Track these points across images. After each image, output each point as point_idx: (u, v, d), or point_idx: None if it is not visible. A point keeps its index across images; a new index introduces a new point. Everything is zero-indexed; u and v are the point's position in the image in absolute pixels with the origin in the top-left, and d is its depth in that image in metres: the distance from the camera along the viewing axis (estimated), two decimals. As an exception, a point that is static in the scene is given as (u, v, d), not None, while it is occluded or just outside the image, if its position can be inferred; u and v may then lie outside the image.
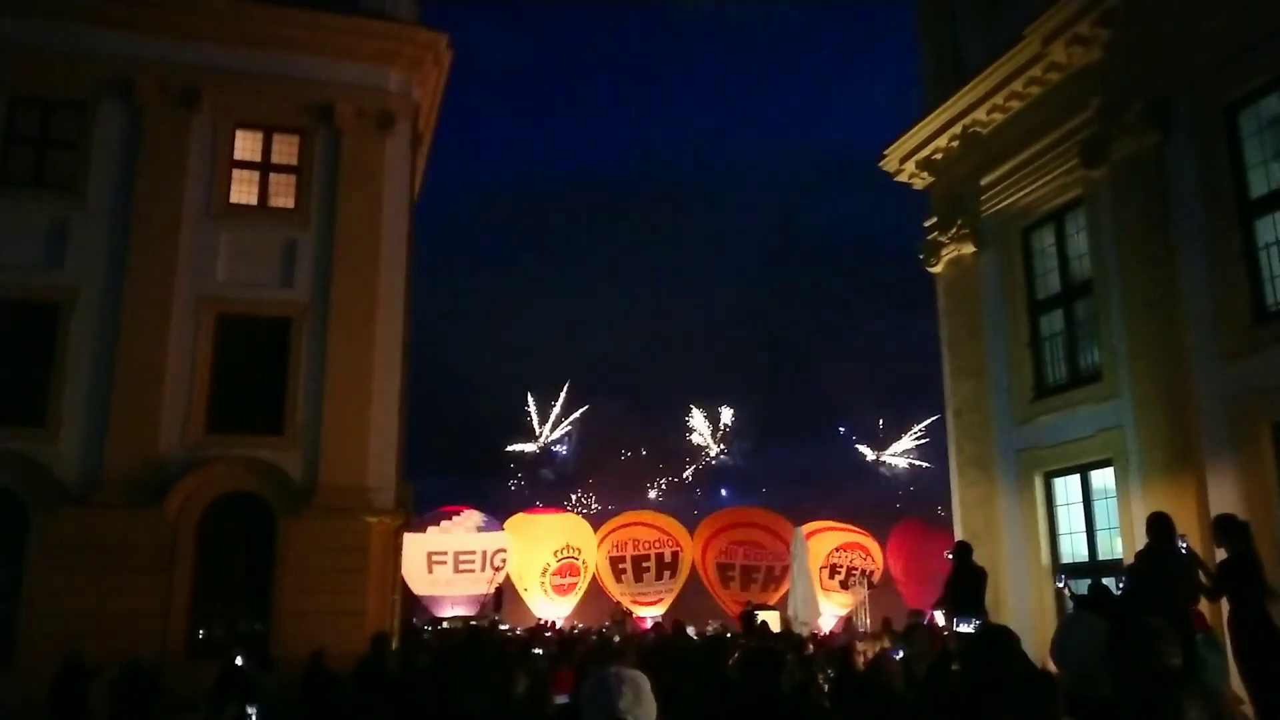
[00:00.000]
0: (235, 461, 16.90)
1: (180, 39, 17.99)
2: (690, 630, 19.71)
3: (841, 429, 63.27)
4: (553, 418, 63.75)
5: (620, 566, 29.03)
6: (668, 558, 29.09)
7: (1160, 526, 9.69)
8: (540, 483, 60.99)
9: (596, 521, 30.55)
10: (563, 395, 63.11)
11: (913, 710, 6.82)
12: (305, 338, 17.70)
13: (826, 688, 10.10)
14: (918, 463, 59.15)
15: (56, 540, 15.72)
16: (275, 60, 18.39)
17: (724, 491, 60.68)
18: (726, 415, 64.83)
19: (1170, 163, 12.12)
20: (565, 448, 64.38)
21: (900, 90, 17.63)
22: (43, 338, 16.75)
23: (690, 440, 64.41)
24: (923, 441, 59.53)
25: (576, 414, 63.61)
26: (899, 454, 60.76)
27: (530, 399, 63.64)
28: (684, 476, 62.11)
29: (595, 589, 30.00)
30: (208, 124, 18.15)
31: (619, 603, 28.49)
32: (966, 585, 12.06)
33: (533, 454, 64.02)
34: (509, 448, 63.24)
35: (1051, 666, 10.16)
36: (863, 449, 62.29)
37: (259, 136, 18.60)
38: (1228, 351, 11.25)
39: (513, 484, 61.15)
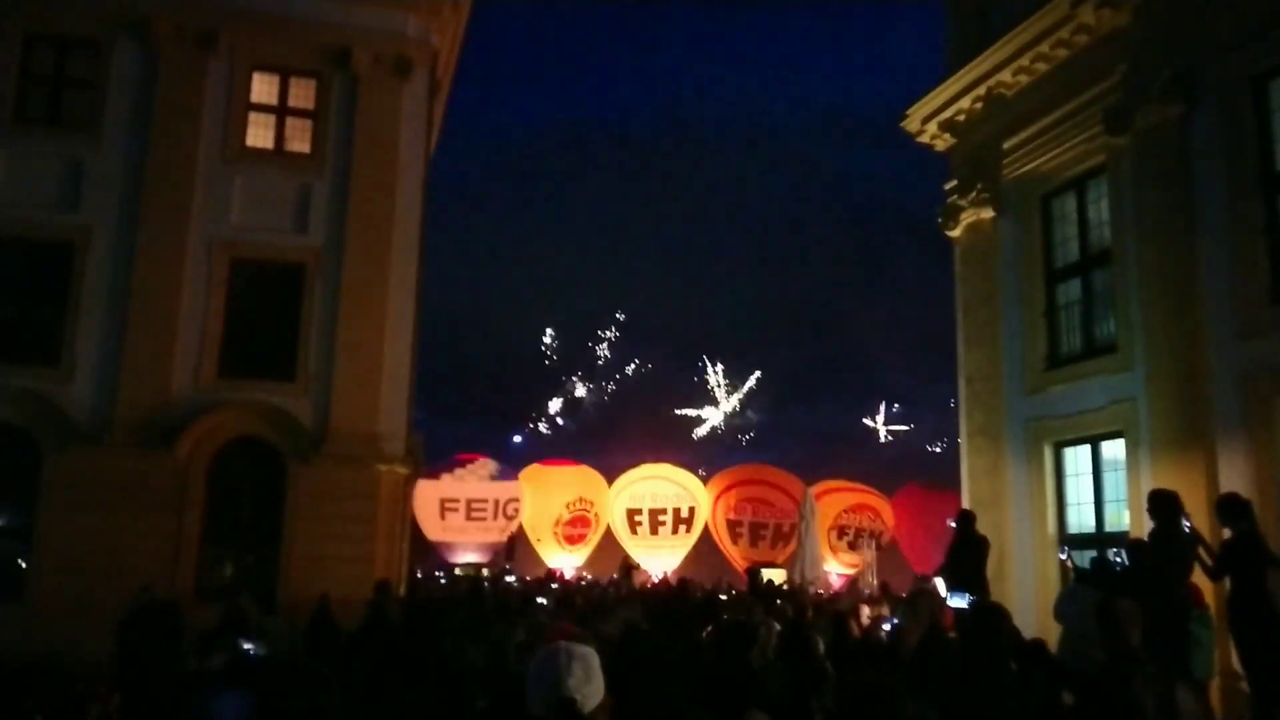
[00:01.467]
0: (246, 406, 16.99)
1: (197, -23, 17.83)
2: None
3: (858, 394, 62.73)
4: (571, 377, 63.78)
5: (636, 519, 29.10)
6: (685, 513, 29.16)
7: (1162, 506, 9.60)
8: (560, 434, 61.17)
9: (612, 474, 30.56)
10: (606, 341, 62.95)
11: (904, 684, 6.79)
12: (318, 284, 17.67)
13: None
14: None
15: (68, 479, 15.91)
16: (293, 1, 18.18)
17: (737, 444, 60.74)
18: (745, 372, 64.68)
19: (1195, 133, 11.85)
20: (591, 390, 64.40)
21: (933, 47, 17.22)
22: (57, 277, 16.81)
23: (709, 396, 64.26)
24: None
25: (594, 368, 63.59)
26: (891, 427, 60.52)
27: (550, 335, 63.43)
28: (697, 433, 62.00)
29: (607, 540, 30.11)
30: (224, 66, 18.01)
31: (627, 555, 28.66)
32: (968, 555, 12.04)
33: (558, 401, 64.02)
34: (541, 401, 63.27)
35: (1053, 632, 10.19)
36: (871, 421, 61.86)
37: (275, 80, 18.45)
38: (1244, 328, 11.08)
39: (531, 427, 61.32)
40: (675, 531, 29.15)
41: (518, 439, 58.91)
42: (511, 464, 30.24)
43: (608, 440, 53.76)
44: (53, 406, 16.25)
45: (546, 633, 8.82)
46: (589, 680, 2.81)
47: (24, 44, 17.37)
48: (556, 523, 28.92)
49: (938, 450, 55.42)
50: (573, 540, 29.15)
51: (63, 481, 15.94)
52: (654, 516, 29.11)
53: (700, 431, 61.31)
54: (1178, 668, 8.29)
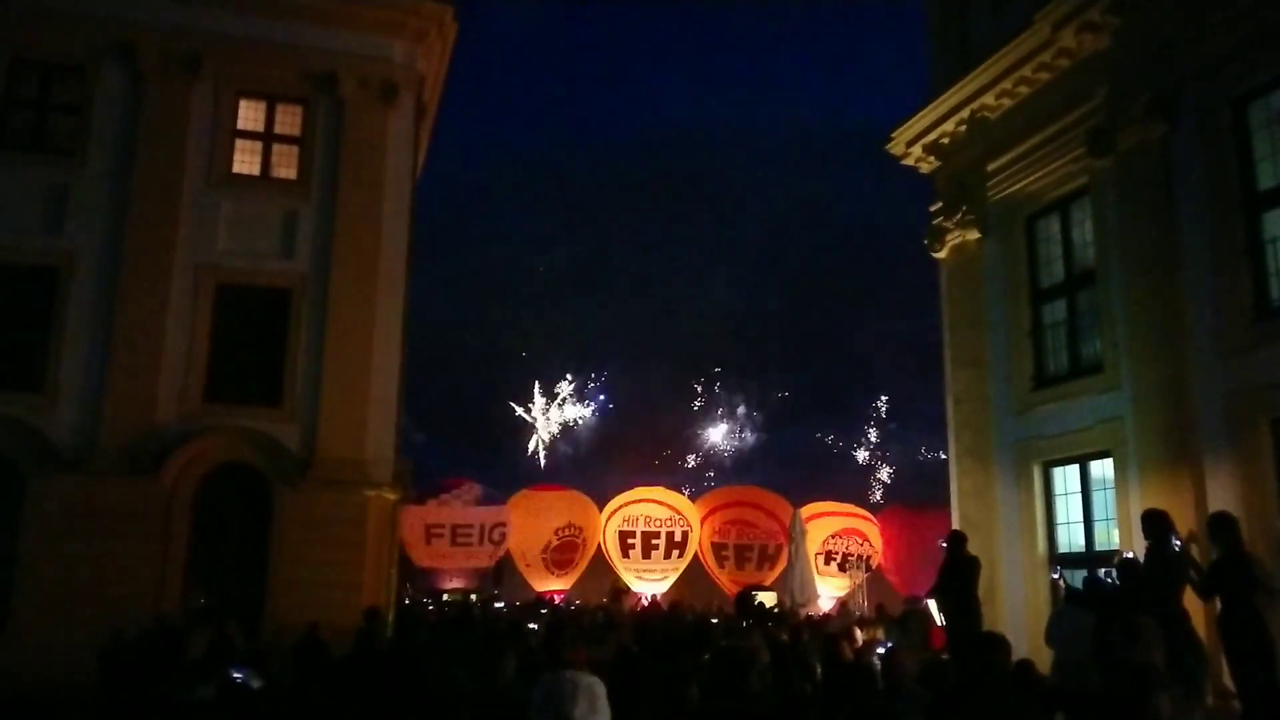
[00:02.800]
0: (232, 432, 16.88)
1: (183, 3, 17.80)
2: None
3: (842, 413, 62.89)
4: (561, 396, 63.67)
5: (630, 541, 28.93)
6: (678, 537, 29.04)
7: (1155, 525, 9.64)
8: (551, 458, 61.02)
9: (603, 499, 30.49)
10: (561, 389, 63.07)
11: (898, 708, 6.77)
12: (305, 309, 17.63)
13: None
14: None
15: (52, 506, 15.75)
16: (278, 27, 18.20)
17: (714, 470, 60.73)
18: (735, 393, 64.81)
19: (1177, 154, 11.98)
20: (587, 412, 64.28)
21: (920, 67, 17.25)
22: (41, 303, 16.69)
23: (697, 419, 64.29)
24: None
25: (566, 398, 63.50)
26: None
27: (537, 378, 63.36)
28: (693, 457, 61.98)
29: (595, 564, 29.93)
30: (210, 92, 18.01)
31: (617, 578, 28.54)
32: (959, 576, 12.03)
33: (547, 428, 63.81)
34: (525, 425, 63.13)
35: (1045, 654, 10.20)
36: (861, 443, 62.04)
37: (261, 106, 18.47)
38: (1229, 346, 11.16)
39: (534, 454, 61.08)
40: (668, 555, 29.04)
41: (507, 463, 58.86)
42: (500, 489, 30.11)
43: (598, 464, 53.77)
44: (36, 433, 16.10)
45: (568, 657, 8.70)
46: (594, 710, 2.77)
47: (8, 68, 17.31)
48: (545, 549, 28.75)
49: (928, 470, 55.56)
50: (561, 566, 28.99)
51: (47, 509, 15.77)
52: (647, 539, 28.99)
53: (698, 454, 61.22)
54: (1187, 686, 8.28)
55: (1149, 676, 5.12)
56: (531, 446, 62.98)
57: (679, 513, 29.45)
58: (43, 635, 14.69)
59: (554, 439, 63.66)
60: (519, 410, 62.51)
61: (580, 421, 64.07)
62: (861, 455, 62.06)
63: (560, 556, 28.84)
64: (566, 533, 28.80)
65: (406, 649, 13.50)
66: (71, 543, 15.47)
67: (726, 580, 28.73)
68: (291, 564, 16.41)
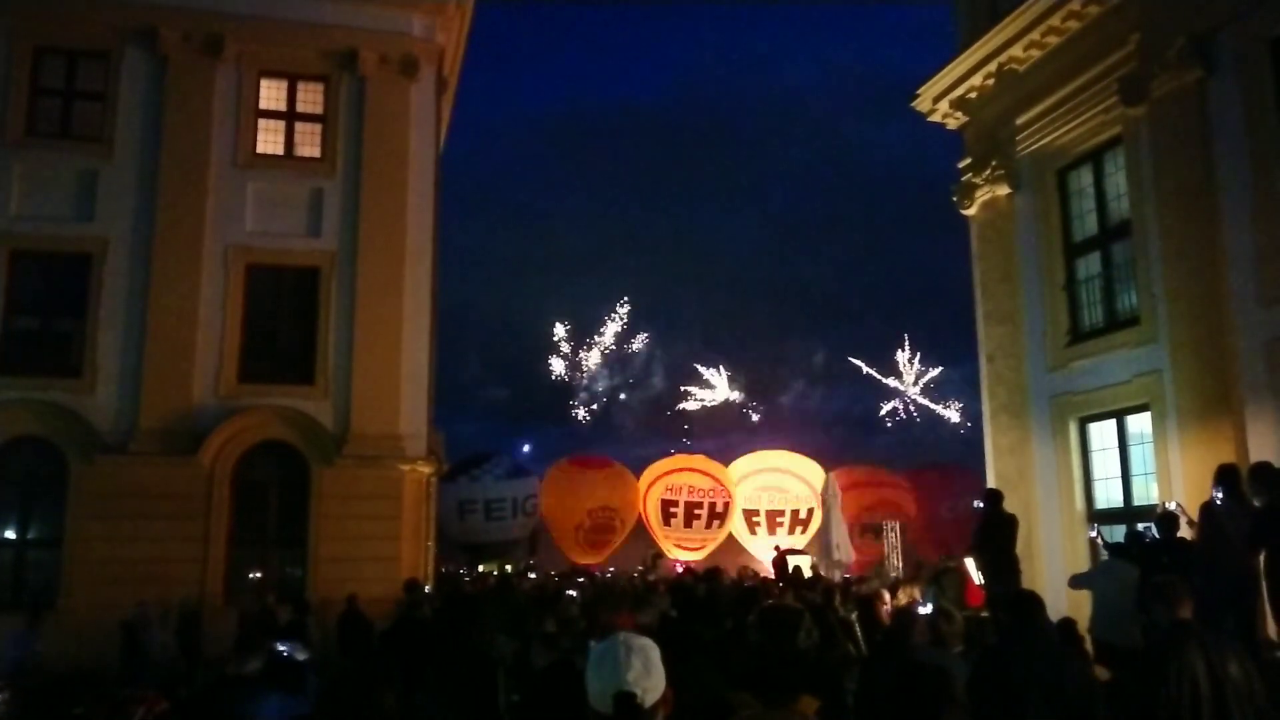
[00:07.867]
0: (268, 411, 17.05)
1: (202, -15, 17.85)
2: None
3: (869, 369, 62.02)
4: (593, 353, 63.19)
5: (672, 510, 29.03)
6: (719, 507, 29.15)
7: (1224, 479, 9.48)
8: (582, 428, 60.90)
9: (635, 465, 30.52)
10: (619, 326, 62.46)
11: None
12: (334, 287, 17.72)
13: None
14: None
15: (95, 489, 16.02)
16: (298, 5, 18.18)
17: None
18: (765, 354, 64.30)
19: (1213, 99, 11.74)
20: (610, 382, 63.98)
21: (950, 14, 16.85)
22: (76, 289, 16.91)
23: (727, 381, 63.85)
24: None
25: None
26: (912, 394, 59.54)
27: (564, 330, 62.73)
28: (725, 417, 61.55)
29: (630, 532, 29.98)
30: (232, 72, 18.06)
31: (654, 544, 28.66)
32: (996, 534, 11.96)
33: (582, 392, 63.50)
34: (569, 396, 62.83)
35: (1086, 610, 10.14)
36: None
37: (283, 85, 18.49)
38: (1268, 294, 10.97)
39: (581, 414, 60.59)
40: (709, 525, 29.09)
41: (532, 440, 58.83)
42: (534, 461, 30.26)
43: (630, 431, 53.75)
44: (77, 418, 16.34)
45: (602, 622, 8.74)
46: (649, 673, 2.71)
47: (33, 58, 17.43)
48: (578, 528, 28.87)
49: (953, 429, 55.15)
50: (596, 545, 29.10)
51: (89, 492, 16.05)
52: (689, 509, 29.04)
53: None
54: (1242, 635, 8.16)
55: (1181, 634, 5.10)
56: (572, 406, 62.84)
57: (720, 483, 29.46)
58: (90, 613, 14.95)
59: (594, 402, 63.43)
60: (559, 372, 62.26)
61: (619, 381, 63.71)
62: (891, 413, 61.30)
63: (595, 537, 28.95)
64: (600, 515, 28.85)
65: (448, 619, 13.62)
66: (115, 523, 15.72)
67: (759, 547, 28.71)
68: (330, 539, 16.62)
